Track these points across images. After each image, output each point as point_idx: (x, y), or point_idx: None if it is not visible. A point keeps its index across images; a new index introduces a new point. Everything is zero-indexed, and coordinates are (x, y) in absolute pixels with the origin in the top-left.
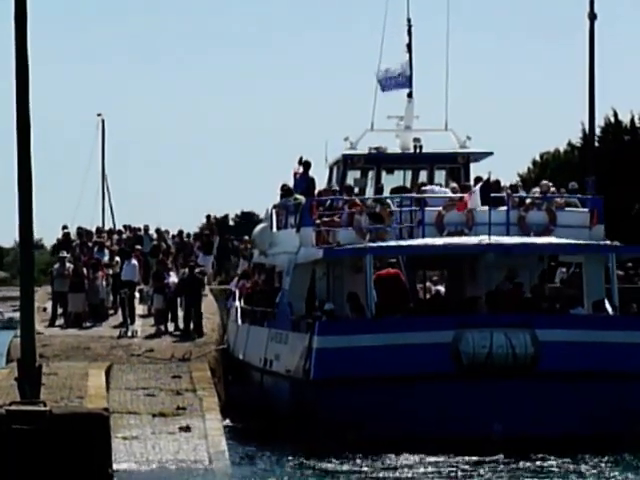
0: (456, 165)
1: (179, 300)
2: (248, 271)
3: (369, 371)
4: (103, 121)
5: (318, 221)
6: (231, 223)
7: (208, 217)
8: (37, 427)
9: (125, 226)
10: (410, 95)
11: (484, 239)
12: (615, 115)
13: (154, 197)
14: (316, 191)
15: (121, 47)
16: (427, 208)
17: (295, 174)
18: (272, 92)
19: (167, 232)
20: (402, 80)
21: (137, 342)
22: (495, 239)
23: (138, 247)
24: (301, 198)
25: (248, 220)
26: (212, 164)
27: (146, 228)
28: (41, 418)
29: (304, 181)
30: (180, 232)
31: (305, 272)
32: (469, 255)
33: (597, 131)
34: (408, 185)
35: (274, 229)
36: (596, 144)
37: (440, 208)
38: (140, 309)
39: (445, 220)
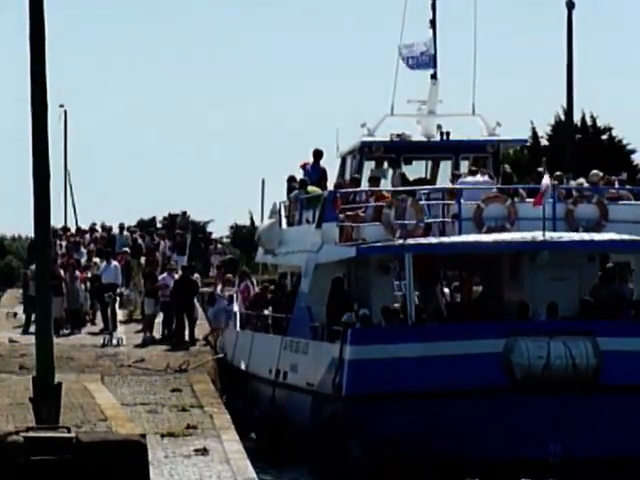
0: (483, 154)
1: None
2: (246, 270)
3: (408, 385)
4: (65, 112)
5: (341, 216)
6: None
7: (184, 214)
8: (62, 458)
9: (99, 225)
10: (434, 76)
11: (537, 235)
12: (565, 113)
13: (119, 194)
14: (328, 183)
15: (87, 32)
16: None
17: (304, 165)
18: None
19: (135, 231)
20: (425, 59)
21: (124, 351)
22: (550, 235)
23: (126, 249)
24: (317, 190)
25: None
26: (181, 160)
27: (121, 227)
28: (67, 447)
29: (316, 172)
30: (151, 231)
31: (327, 273)
32: (515, 253)
33: (547, 129)
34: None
35: (284, 225)
36: (545, 142)
37: (479, 201)
38: (120, 314)
39: (484, 214)
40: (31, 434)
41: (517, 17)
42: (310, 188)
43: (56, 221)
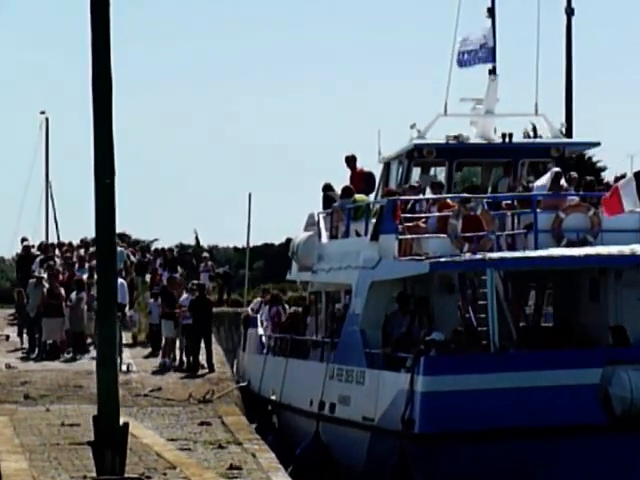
0: (546, 159)
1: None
2: (279, 295)
3: (491, 422)
4: (47, 120)
5: (400, 227)
6: None
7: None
8: None
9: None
10: (493, 72)
11: (632, 249)
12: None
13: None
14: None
15: (71, 34)
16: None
17: (355, 173)
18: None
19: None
20: (484, 53)
21: (136, 378)
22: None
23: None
24: (366, 199)
25: None
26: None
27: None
28: None
29: (362, 179)
30: (143, 248)
31: (384, 292)
32: (598, 270)
33: None
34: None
35: (324, 239)
36: None
37: (560, 212)
38: (124, 337)
39: (564, 226)
40: None
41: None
42: (358, 196)
43: (36, 236)
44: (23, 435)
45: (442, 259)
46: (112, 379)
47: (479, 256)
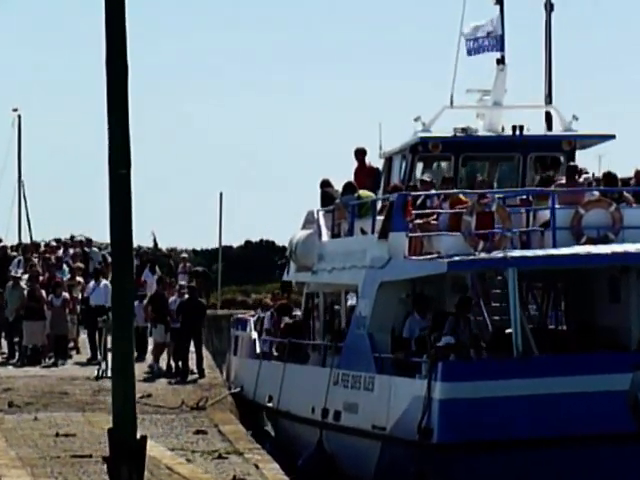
0: (556, 153)
1: None
2: (288, 304)
3: (515, 431)
4: (20, 117)
5: (411, 224)
6: None
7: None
8: None
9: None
10: (501, 61)
11: None
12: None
13: (77, 206)
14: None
15: (47, 29)
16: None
17: (364, 167)
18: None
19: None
20: (491, 41)
21: None
22: None
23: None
24: (371, 195)
25: None
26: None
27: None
28: None
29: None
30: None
31: (393, 293)
32: (620, 269)
33: None
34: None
35: (324, 237)
36: None
37: (579, 207)
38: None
39: (584, 222)
40: None
41: None
42: (362, 192)
43: (10, 235)
44: (17, 447)
45: (458, 258)
46: (130, 388)
47: (500, 255)
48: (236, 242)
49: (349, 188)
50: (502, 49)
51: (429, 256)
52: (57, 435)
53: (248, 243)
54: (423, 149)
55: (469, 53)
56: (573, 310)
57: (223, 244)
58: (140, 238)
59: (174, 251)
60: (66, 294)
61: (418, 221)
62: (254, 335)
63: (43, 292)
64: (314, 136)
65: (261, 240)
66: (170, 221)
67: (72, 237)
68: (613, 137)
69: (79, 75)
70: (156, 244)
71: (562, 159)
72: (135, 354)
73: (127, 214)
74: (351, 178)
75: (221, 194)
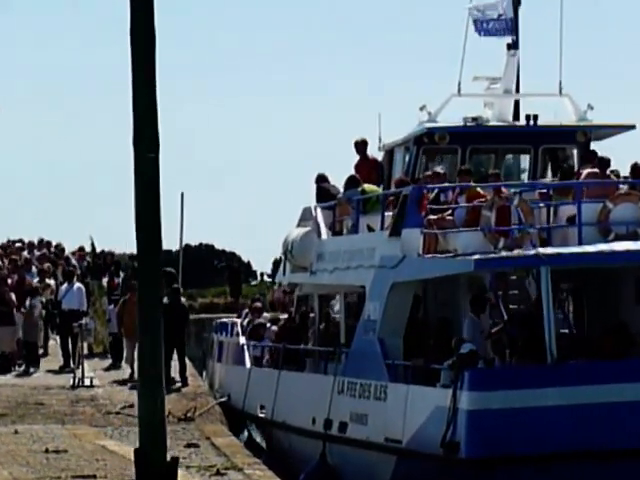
0: (569, 145)
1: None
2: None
3: (549, 444)
4: None
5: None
6: None
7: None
8: None
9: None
10: (512, 46)
11: None
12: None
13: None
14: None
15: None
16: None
17: (366, 159)
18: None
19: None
20: (502, 24)
21: (102, 394)
22: None
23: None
24: (376, 189)
25: None
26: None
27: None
28: None
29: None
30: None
31: (407, 295)
32: None
33: None
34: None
35: (324, 235)
36: None
37: (607, 202)
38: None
39: (612, 218)
40: None
41: None
42: (367, 186)
43: None
44: (8, 465)
45: (481, 256)
46: (158, 408)
47: (531, 252)
48: (174, 246)
49: (353, 182)
50: (512, 33)
51: (446, 254)
52: (47, 451)
53: (187, 247)
54: (429, 140)
55: (479, 32)
56: (597, 312)
57: (163, 248)
58: (80, 241)
59: (110, 255)
60: (42, 298)
61: (432, 217)
62: (242, 340)
63: (13, 295)
64: (311, 135)
65: (200, 244)
66: (106, 225)
67: (41, 240)
68: (633, 127)
69: None
70: (94, 248)
71: (574, 152)
72: (110, 361)
73: (155, 204)
74: (348, 175)
75: (182, 194)
